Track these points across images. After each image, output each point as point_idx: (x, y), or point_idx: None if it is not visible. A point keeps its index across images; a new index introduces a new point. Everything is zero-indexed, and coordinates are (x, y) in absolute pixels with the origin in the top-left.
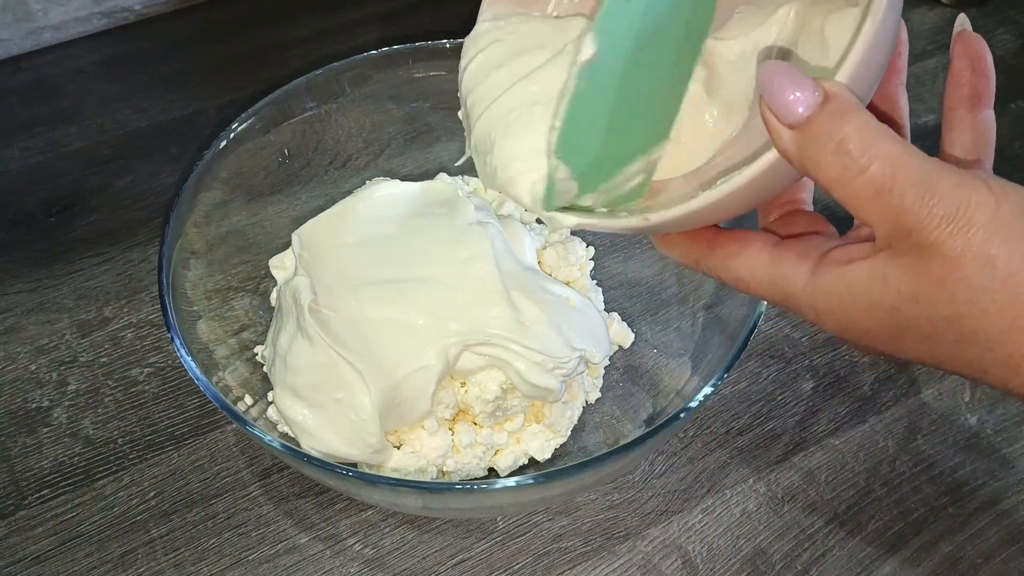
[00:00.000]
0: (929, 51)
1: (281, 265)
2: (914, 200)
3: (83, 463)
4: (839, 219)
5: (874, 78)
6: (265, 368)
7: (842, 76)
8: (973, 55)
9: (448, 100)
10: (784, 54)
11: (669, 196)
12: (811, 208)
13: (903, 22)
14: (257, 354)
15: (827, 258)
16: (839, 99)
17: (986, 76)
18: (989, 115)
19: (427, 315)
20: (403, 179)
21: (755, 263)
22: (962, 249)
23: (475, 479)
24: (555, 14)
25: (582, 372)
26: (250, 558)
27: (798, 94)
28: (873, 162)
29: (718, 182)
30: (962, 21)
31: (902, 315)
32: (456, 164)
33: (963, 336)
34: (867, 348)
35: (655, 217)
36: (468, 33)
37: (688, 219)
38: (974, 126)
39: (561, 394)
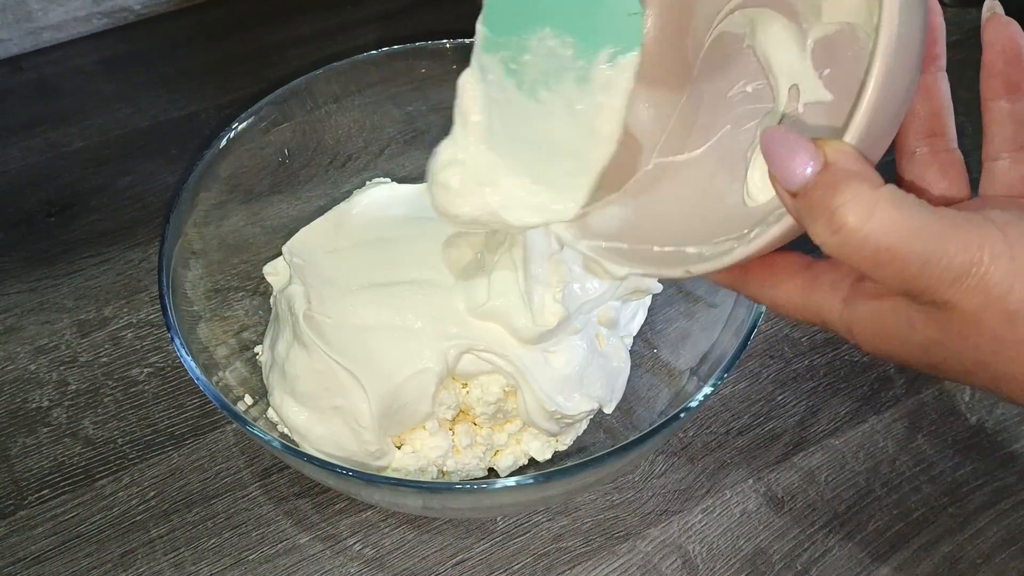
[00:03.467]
0: None
1: (275, 272)
2: (920, 269)
3: (83, 463)
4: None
5: (897, 110)
6: (263, 374)
7: (851, 135)
8: (1005, 42)
9: (448, 100)
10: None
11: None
12: None
13: (937, 5)
14: (258, 354)
15: (858, 289)
16: (835, 167)
17: (1020, 63)
18: None
19: (425, 318)
20: (403, 180)
21: (789, 291)
22: (980, 307)
23: (475, 479)
24: None
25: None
26: (250, 558)
27: (797, 161)
28: (870, 235)
29: (752, 234)
30: (992, 6)
31: (934, 354)
32: None
33: (997, 375)
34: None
35: (696, 269)
36: (468, 33)
37: (726, 268)
38: (1014, 115)
39: (557, 434)
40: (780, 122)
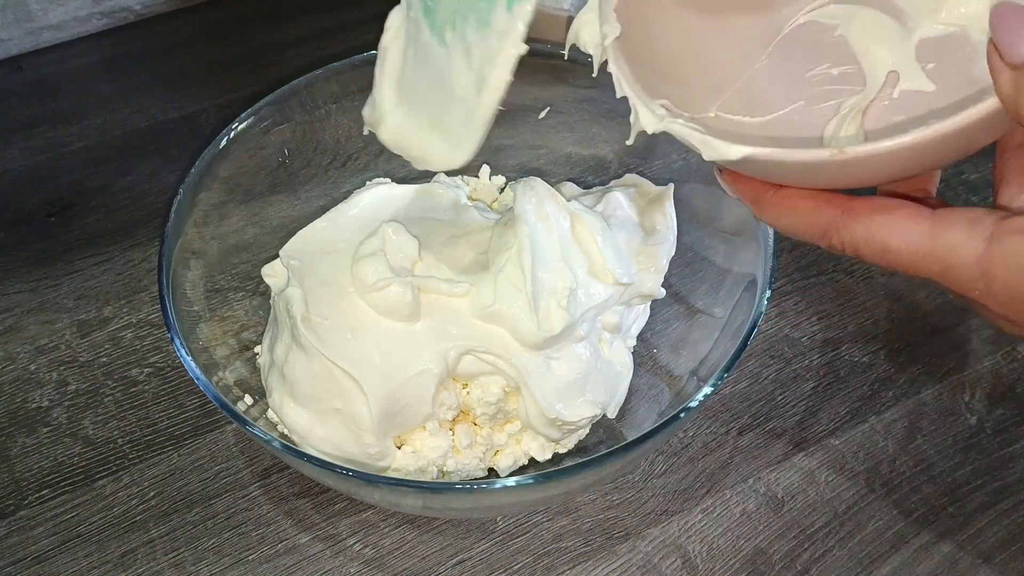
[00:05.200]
0: None
1: (273, 273)
2: None
3: (83, 463)
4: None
5: None
6: (262, 375)
7: None
8: None
9: None
10: None
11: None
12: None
13: None
14: (258, 354)
15: (1006, 226)
16: None
17: None
18: None
19: (424, 319)
20: (403, 180)
21: (911, 231)
22: None
23: (475, 479)
24: None
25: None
26: (250, 558)
27: None
28: None
29: (929, 121)
30: None
31: None
32: None
33: None
34: None
35: (852, 150)
36: None
37: (884, 158)
38: None
39: (558, 439)
40: (870, 105)
